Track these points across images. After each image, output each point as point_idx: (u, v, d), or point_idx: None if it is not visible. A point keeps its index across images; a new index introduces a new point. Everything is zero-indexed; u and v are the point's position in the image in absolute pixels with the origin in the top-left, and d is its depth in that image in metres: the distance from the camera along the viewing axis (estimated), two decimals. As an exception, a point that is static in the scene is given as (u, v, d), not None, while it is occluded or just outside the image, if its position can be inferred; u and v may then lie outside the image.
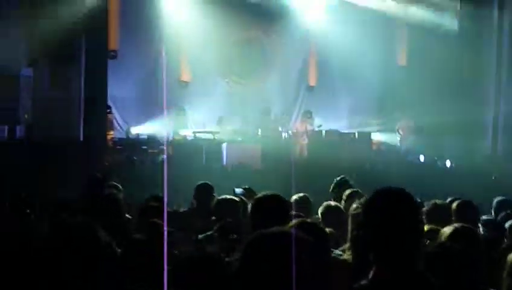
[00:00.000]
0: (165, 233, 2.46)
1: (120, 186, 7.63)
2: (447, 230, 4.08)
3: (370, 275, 2.83)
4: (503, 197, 7.34)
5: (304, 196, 7.04)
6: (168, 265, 2.64)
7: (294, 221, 3.80)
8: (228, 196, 6.61)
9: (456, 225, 4.31)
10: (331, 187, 7.68)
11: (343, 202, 6.61)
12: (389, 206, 2.86)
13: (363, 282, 2.82)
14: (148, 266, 3.51)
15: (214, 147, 18.18)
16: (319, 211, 6.24)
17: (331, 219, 5.71)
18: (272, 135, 19.83)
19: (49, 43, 15.09)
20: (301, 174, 14.94)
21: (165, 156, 15.37)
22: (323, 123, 20.19)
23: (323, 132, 19.90)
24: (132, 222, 5.90)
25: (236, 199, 6.49)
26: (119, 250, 4.34)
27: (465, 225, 4.25)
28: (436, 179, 15.64)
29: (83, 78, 16.32)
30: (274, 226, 2.19)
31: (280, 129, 20.39)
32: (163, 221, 5.16)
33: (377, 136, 21.11)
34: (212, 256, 2.83)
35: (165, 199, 5.75)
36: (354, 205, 4.28)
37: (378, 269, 2.83)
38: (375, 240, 2.84)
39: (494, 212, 7.06)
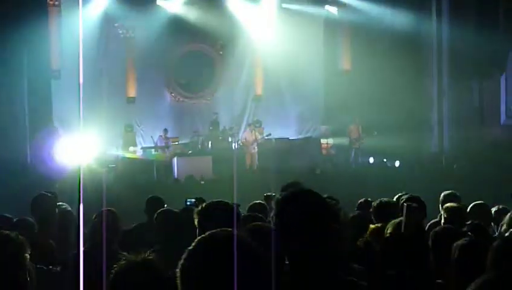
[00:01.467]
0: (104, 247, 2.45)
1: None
2: (390, 225, 4.10)
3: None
4: (450, 191, 7.49)
5: (259, 202, 7.07)
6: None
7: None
8: (168, 208, 6.59)
9: (401, 218, 4.37)
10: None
11: None
12: (296, 209, 2.71)
13: None
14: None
15: (165, 161, 18.14)
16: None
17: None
18: (222, 146, 19.88)
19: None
20: (253, 182, 15.00)
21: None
22: (272, 131, 20.29)
23: (273, 140, 19.99)
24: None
25: (176, 210, 6.50)
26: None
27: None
28: (386, 179, 15.85)
29: (26, 99, 16.06)
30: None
31: (230, 140, 20.43)
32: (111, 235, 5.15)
33: (326, 141, 21.28)
34: (149, 262, 2.80)
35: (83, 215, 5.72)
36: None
37: (293, 277, 2.67)
38: (286, 246, 2.69)
39: (441, 205, 7.19)
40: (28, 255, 2.98)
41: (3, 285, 2.84)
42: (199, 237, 2.10)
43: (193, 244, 2.07)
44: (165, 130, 19.47)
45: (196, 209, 4.03)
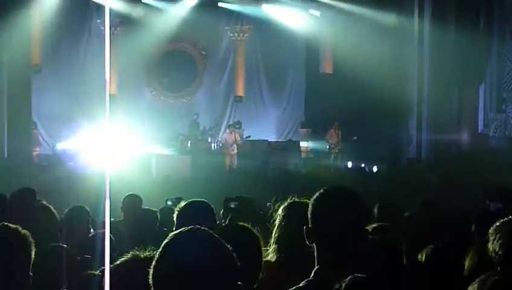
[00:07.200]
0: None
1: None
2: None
3: (311, 276, 2.80)
4: (425, 199, 7.53)
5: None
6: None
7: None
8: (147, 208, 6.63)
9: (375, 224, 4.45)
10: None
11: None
12: (336, 204, 2.84)
13: (304, 283, 2.79)
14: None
15: (144, 159, 18.09)
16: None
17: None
18: (201, 146, 19.89)
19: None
20: (231, 184, 15.03)
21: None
22: (252, 133, 20.33)
23: (253, 142, 20.03)
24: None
25: (155, 210, 6.54)
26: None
27: (382, 223, 4.40)
28: (363, 184, 15.93)
29: (6, 94, 15.99)
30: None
31: (209, 140, 20.45)
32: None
33: (305, 144, 21.34)
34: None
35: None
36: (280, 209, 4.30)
37: (321, 269, 2.81)
38: (321, 239, 2.82)
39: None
40: (33, 250, 2.91)
41: (5, 280, 2.80)
42: (171, 234, 2.13)
43: (165, 241, 2.10)
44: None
45: (176, 208, 4.09)
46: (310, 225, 2.87)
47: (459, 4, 19.20)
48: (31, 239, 2.91)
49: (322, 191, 2.93)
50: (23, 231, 2.92)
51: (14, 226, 2.93)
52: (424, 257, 4.01)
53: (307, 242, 2.86)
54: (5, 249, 2.83)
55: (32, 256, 2.88)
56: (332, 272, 2.74)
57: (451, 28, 19.07)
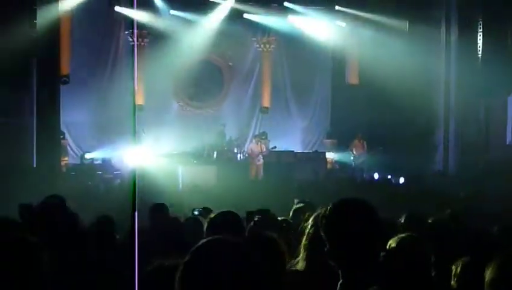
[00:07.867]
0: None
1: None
2: (392, 241, 4.15)
3: (338, 288, 2.84)
4: (451, 211, 7.47)
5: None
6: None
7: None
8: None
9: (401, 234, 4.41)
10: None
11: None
12: (347, 216, 2.87)
13: None
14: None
15: (170, 169, 18.17)
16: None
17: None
18: (227, 156, 19.93)
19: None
20: (256, 194, 15.03)
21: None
22: (277, 144, 20.33)
23: (279, 153, 20.03)
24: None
25: (182, 219, 6.58)
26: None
27: (410, 234, 4.35)
28: (390, 196, 15.83)
29: (35, 104, 16.18)
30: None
31: (235, 151, 20.48)
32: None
33: (331, 155, 21.29)
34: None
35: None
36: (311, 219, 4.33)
37: (345, 283, 2.83)
38: (337, 252, 2.85)
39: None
40: (42, 257, 2.94)
41: (15, 286, 2.83)
42: (201, 241, 2.18)
43: (194, 248, 2.15)
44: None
45: (208, 218, 4.15)
46: (327, 246, 2.89)
47: (485, 15, 19.08)
48: (39, 246, 2.94)
49: (330, 207, 2.93)
50: (31, 239, 2.95)
51: (21, 235, 2.97)
52: (458, 270, 3.97)
53: (330, 262, 2.87)
54: (15, 259, 2.86)
55: (44, 261, 2.91)
56: (356, 286, 2.75)
57: (478, 39, 18.96)
